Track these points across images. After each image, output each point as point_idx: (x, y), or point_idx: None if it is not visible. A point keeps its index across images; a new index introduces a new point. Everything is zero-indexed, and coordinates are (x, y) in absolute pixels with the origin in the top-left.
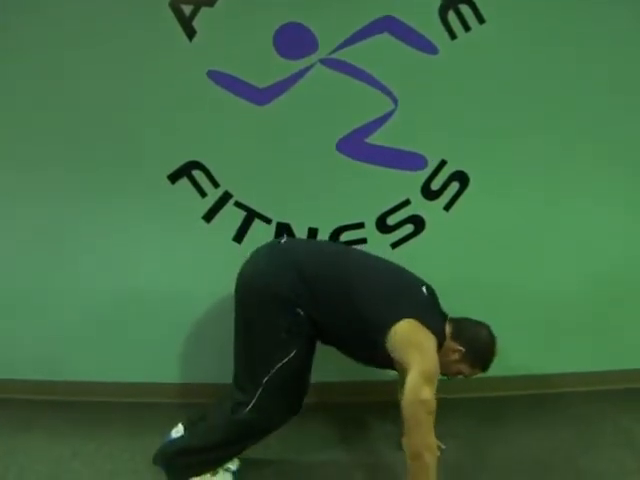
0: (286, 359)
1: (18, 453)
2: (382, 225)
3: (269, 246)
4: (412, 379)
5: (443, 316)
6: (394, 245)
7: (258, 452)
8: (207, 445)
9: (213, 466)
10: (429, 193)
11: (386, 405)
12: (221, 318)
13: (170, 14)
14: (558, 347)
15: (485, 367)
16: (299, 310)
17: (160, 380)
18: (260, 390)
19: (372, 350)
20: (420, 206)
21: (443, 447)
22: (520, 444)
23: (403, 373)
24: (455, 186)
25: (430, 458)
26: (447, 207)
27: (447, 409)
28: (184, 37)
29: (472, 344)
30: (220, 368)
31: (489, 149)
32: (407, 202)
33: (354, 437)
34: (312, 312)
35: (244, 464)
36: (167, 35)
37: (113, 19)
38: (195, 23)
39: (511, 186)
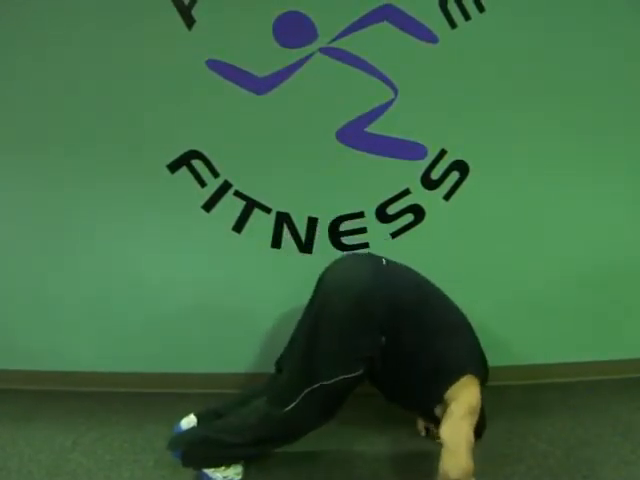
0: (350, 375)
1: (19, 443)
2: (382, 214)
3: (372, 260)
4: (457, 408)
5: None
6: (394, 235)
7: None
8: (238, 442)
9: (237, 461)
10: (429, 182)
11: None
12: (220, 307)
13: (169, 3)
14: (558, 337)
15: None
16: (383, 338)
17: (161, 370)
18: (307, 391)
19: (426, 392)
20: (420, 195)
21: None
22: (519, 434)
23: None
24: (455, 175)
25: None
26: (447, 197)
27: None
28: (183, 26)
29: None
30: (221, 358)
31: (489, 138)
32: (407, 191)
33: (360, 427)
34: (391, 344)
35: None
36: (166, 24)
37: (113, 7)
38: (194, 12)
39: (511, 175)
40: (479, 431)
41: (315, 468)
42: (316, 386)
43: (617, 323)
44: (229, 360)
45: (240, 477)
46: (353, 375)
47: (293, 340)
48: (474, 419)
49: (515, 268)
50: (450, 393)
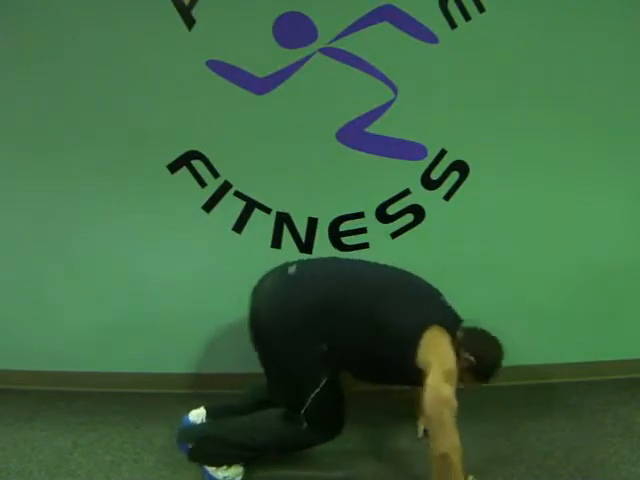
0: (318, 389)
1: (19, 444)
2: (382, 215)
3: (280, 277)
4: (432, 378)
5: (458, 321)
6: (394, 235)
7: None
8: (249, 444)
9: (245, 461)
10: (429, 183)
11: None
12: (220, 307)
13: (169, 3)
14: (558, 337)
15: (487, 381)
16: (323, 345)
17: (161, 370)
18: (302, 414)
19: (401, 367)
20: (420, 196)
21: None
22: (519, 434)
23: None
24: (455, 176)
25: (456, 457)
26: (447, 197)
27: None
28: (183, 26)
29: (482, 358)
30: (221, 359)
31: (489, 139)
32: (407, 192)
33: (360, 428)
34: (336, 344)
35: None
36: (166, 24)
37: (113, 7)
38: (194, 12)
39: (511, 175)
40: (485, 373)
41: (315, 468)
42: (302, 412)
43: (617, 323)
44: (229, 360)
45: (241, 477)
46: (321, 385)
47: None
48: (453, 380)
49: (515, 268)
50: (420, 359)
